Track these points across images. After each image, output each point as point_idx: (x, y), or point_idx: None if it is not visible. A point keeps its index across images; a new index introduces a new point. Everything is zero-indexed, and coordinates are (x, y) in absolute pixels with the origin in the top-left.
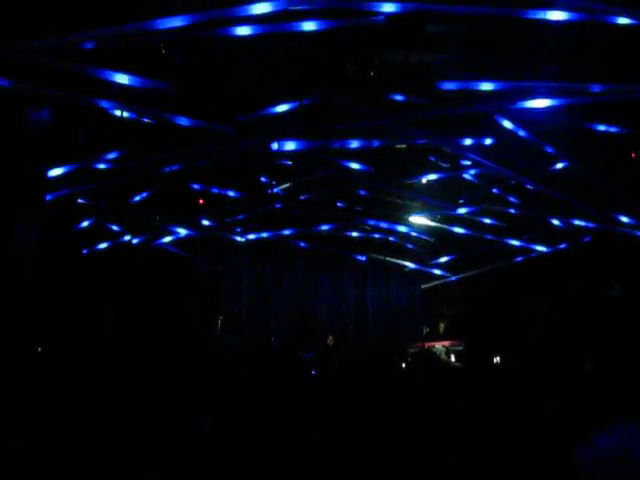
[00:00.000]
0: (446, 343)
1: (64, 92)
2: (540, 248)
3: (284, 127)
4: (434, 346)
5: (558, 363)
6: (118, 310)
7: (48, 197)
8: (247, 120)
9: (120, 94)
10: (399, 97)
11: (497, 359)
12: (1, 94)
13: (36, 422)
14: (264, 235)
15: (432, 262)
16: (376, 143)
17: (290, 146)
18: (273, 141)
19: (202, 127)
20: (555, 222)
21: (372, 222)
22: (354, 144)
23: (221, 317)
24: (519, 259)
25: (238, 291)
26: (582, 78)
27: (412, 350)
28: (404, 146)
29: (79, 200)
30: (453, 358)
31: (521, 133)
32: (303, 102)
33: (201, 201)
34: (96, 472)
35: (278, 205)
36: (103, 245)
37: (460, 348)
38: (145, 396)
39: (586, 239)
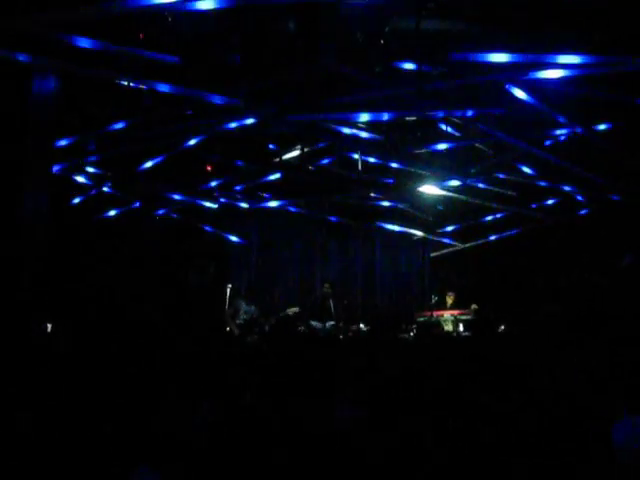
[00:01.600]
0: (455, 312)
1: (72, 65)
2: (549, 217)
3: (291, 98)
4: (442, 315)
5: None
6: (125, 278)
7: (56, 166)
8: (254, 91)
9: (127, 66)
10: (410, 67)
11: (503, 328)
12: (9, 65)
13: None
14: (272, 204)
15: (441, 230)
16: (386, 115)
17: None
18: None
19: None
20: (566, 190)
21: (381, 191)
22: (364, 117)
23: (230, 286)
24: (527, 228)
25: (246, 260)
26: (598, 49)
27: (420, 319)
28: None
29: (88, 168)
30: (461, 327)
31: (533, 102)
32: (311, 72)
33: (209, 168)
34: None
35: (286, 173)
36: (112, 212)
37: (468, 317)
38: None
39: (595, 209)
